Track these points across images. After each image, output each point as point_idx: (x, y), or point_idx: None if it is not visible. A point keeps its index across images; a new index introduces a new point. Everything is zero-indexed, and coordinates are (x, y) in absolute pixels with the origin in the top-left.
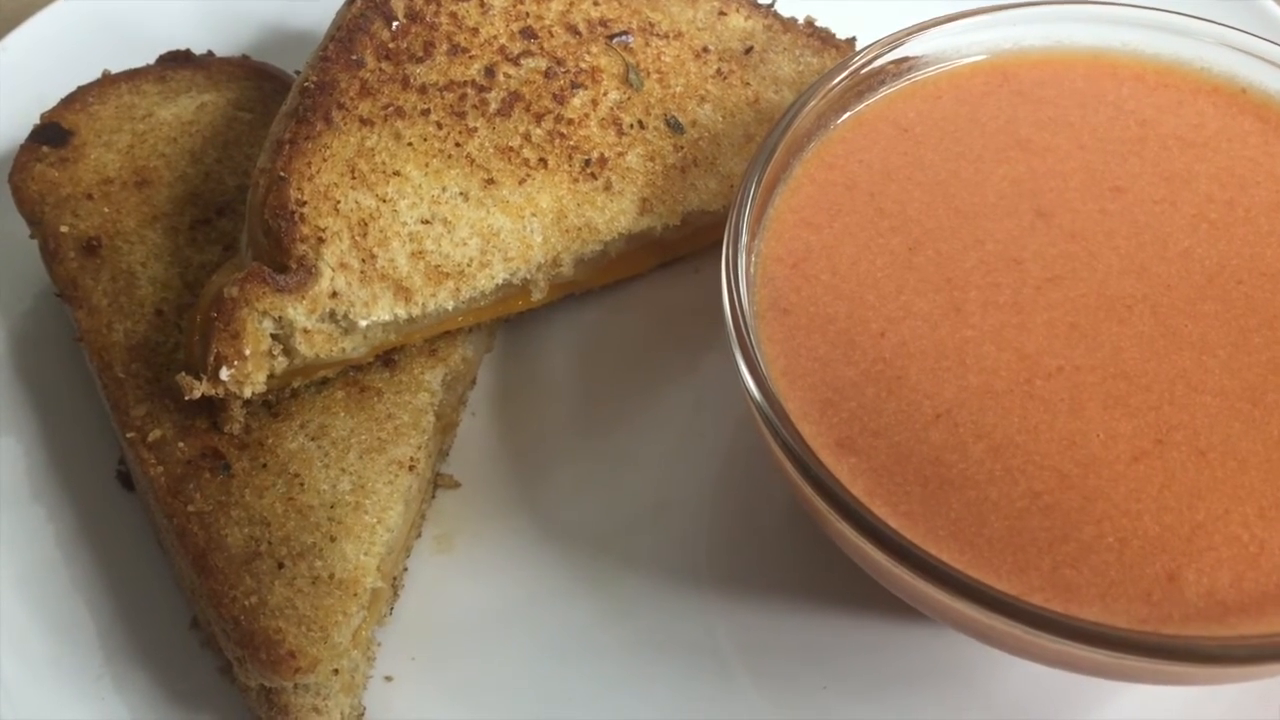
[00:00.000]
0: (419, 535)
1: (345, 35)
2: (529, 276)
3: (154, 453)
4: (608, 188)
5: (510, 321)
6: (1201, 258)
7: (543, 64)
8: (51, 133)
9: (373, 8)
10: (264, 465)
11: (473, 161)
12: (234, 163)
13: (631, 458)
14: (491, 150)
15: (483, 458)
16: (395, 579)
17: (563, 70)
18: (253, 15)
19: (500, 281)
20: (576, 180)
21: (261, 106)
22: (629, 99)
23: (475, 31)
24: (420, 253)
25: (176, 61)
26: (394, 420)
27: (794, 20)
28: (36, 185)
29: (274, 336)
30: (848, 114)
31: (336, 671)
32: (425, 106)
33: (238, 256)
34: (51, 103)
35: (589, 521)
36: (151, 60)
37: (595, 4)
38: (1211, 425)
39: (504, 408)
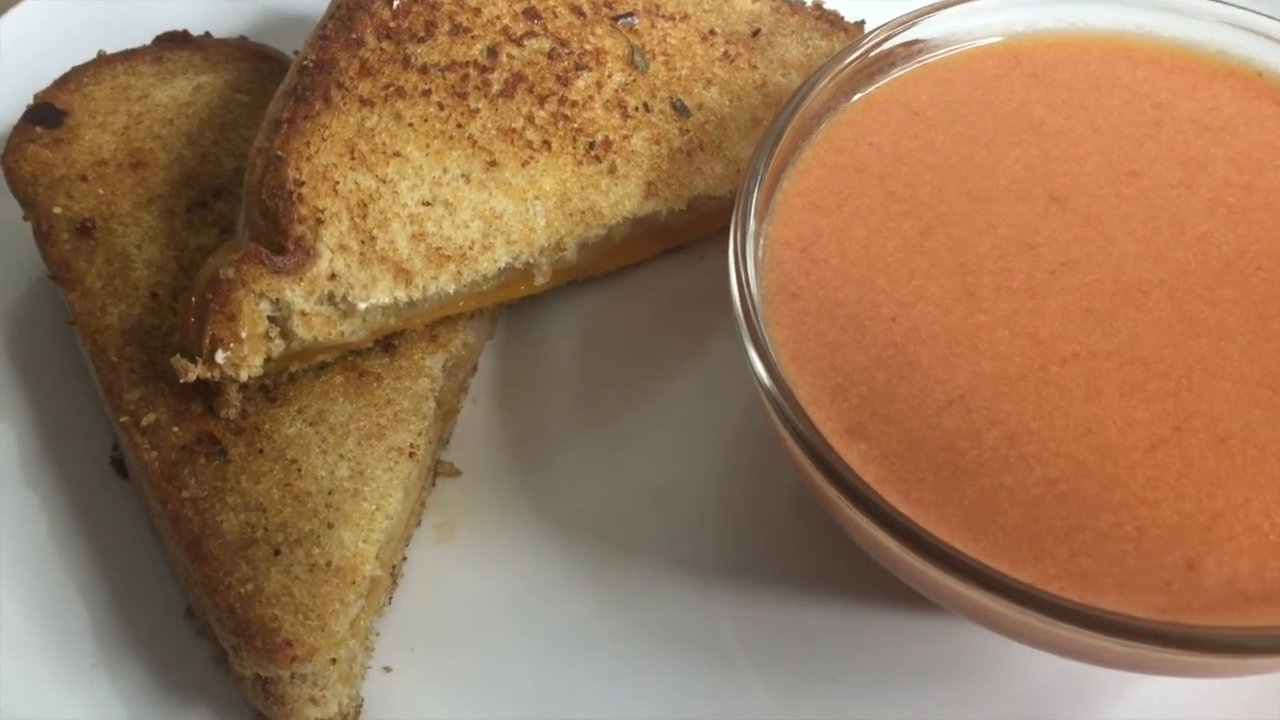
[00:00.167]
0: (419, 524)
1: (345, 14)
2: (532, 260)
3: (148, 437)
4: (612, 171)
5: (512, 308)
6: (1219, 243)
7: (546, 45)
8: (45, 113)
9: None
10: (261, 451)
11: (475, 143)
12: (231, 145)
13: (635, 446)
14: (494, 132)
15: (484, 446)
16: (394, 568)
17: (567, 51)
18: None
19: (502, 265)
20: (580, 163)
21: (259, 88)
22: (634, 81)
23: (478, 11)
24: (421, 235)
25: (173, 42)
26: (394, 406)
27: (802, 3)
28: (30, 166)
29: (271, 319)
30: (857, 97)
31: (334, 661)
32: (426, 87)
33: (234, 238)
34: (47, 84)
35: (592, 511)
36: (148, 42)
37: None
38: (1231, 412)
39: (506, 395)
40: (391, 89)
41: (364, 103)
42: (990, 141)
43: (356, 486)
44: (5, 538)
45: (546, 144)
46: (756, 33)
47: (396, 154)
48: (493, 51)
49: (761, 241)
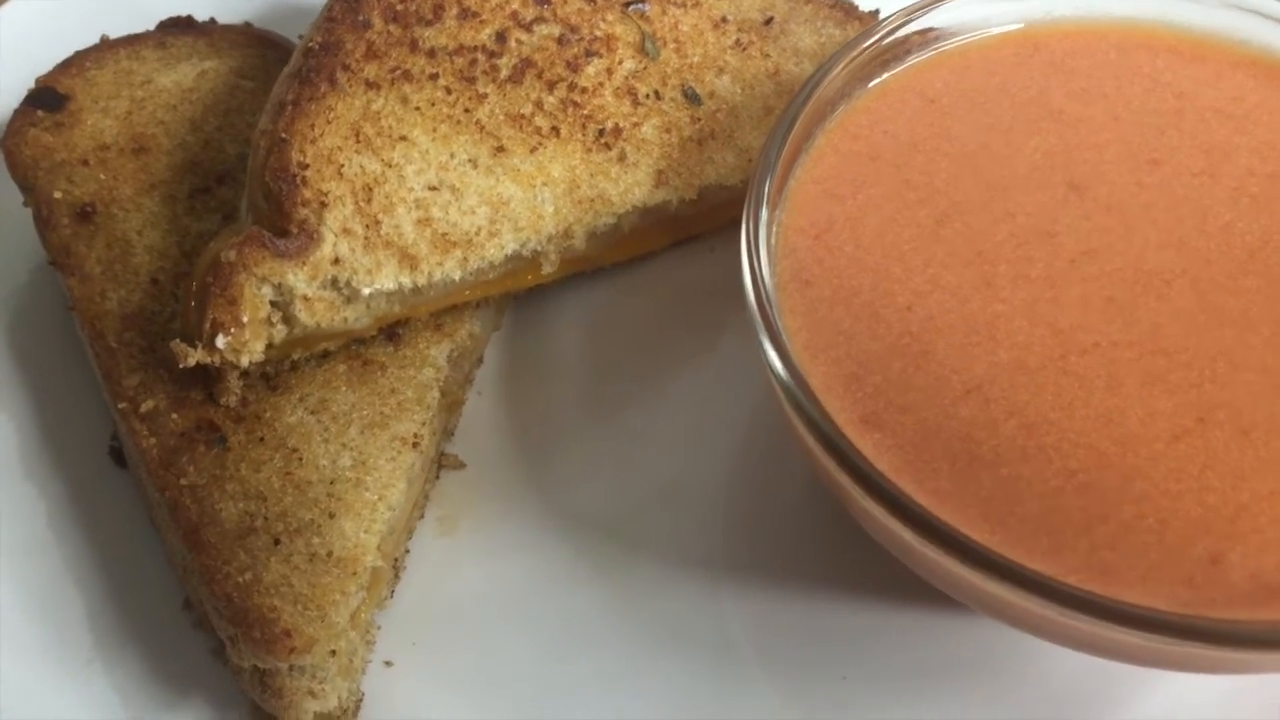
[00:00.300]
0: (421, 516)
1: None
2: (539, 248)
3: (146, 424)
4: (622, 159)
5: (519, 299)
6: (1243, 232)
7: (556, 30)
8: (47, 97)
9: None
10: (261, 439)
11: (482, 128)
12: (235, 130)
13: (643, 440)
14: (502, 117)
15: (489, 438)
16: (396, 561)
17: (577, 38)
18: None
19: (509, 252)
20: (590, 150)
21: (264, 74)
22: (645, 68)
23: None
24: (427, 220)
25: (178, 28)
26: (397, 395)
27: None
28: (30, 150)
29: (273, 304)
30: (872, 84)
31: (334, 653)
32: (434, 71)
33: (238, 223)
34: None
35: (598, 505)
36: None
37: None
38: (1255, 403)
39: (512, 388)
40: (398, 72)
41: (370, 86)
42: (1008, 129)
43: (359, 476)
44: (4, 529)
45: (555, 130)
46: (769, 21)
47: (403, 138)
48: (501, 36)
49: (774, 229)
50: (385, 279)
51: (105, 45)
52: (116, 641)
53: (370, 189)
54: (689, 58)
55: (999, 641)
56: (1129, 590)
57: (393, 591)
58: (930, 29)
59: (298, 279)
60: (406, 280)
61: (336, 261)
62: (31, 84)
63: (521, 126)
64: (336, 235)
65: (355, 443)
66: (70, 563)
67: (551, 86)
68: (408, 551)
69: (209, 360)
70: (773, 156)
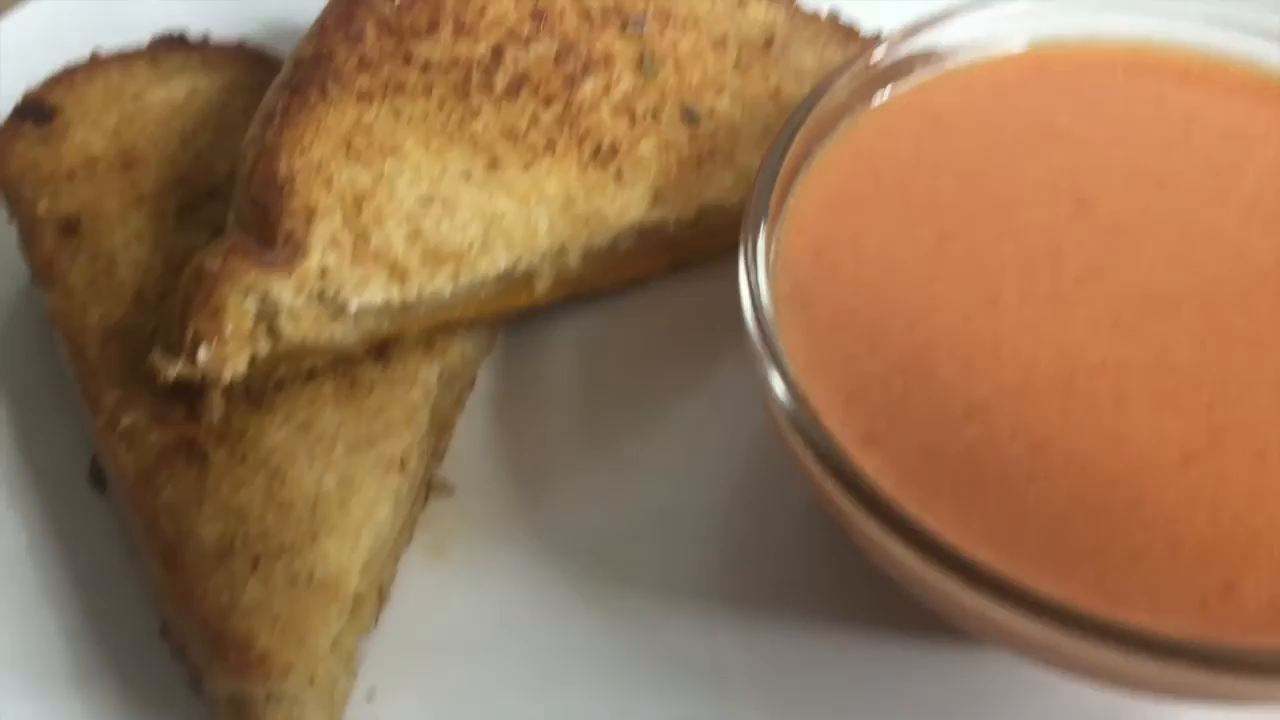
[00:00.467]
0: (409, 542)
1: (345, 8)
2: (533, 266)
3: (124, 441)
4: (619, 177)
5: (512, 323)
6: (1254, 253)
7: (553, 47)
8: (35, 110)
9: None
10: (243, 457)
11: (476, 142)
12: (226, 147)
13: (637, 466)
14: (497, 132)
15: (480, 462)
16: (382, 586)
17: (574, 55)
18: (253, 7)
19: (502, 269)
20: (586, 167)
21: (257, 91)
22: (643, 87)
23: (483, 11)
24: (417, 233)
25: (170, 45)
26: (385, 415)
27: (817, 13)
28: (16, 163)
29: (258, 317)
30: (874, 101)
31: (313, 681)
32: (427, 84)
33: (224, 236)
34: None
35: (591, 533)
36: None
37: None
38: (1269, 426)
39: (504, 411)
40: (391, 84)
41: (362, 97)
42: (1012, 148)
43: (343, 497)
44: None
45: (551, 146)
46: (770, 41)
47: (394, 150)
48: (497, 51)
49: (773, 246)
50: (374, 292)
51: (97, 61)
52: (92, 670)
53: (360, 201)
54: (688, 77)
55: (1006, 674)
56: (1140, 617)
57: (377, 619)
58: (933, 49)
59: (283, 291)
60: (395, 294)
61: (324, 274)
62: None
63: (516, 142)
64: (324, 247)
65: (341, 463)
66: (48, 588)
67: (548, 102)
68: (393, 577)
69: (190, 373)
70: (771, 172)
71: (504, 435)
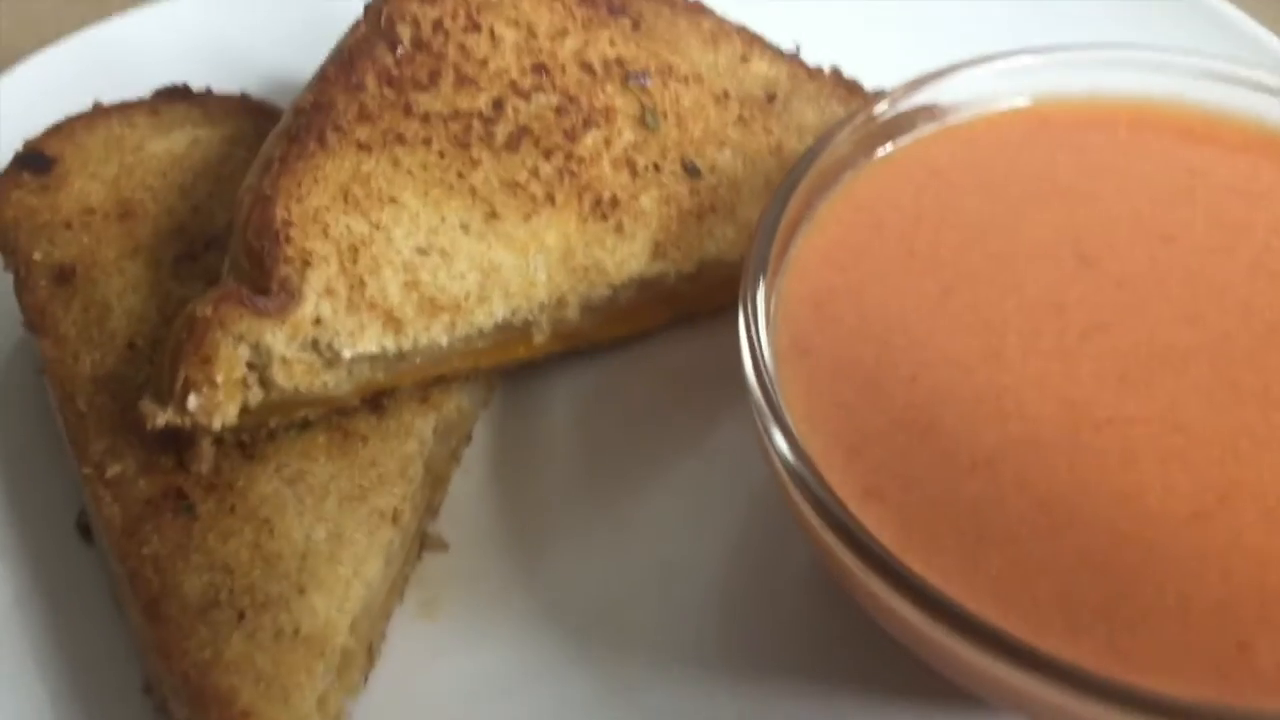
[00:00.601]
0: (401, 599)
1: (347, 58)
2: (531, 317)
3: (111, 490)
4: (619, 229)
5: (510, 377)
6: (1262, 308)
7: (554, 100)
8: (33, 160)
9: (377, 33)
10: (232, 509)
11: (475, 193)
12: (226, 198)
13: (636, 524)
14: (496, 183)
15: (475, 519)
16: (372, 644)
17: (575, 108)
18: (256, 61)
19: (499, 319)
20: (586, 219)
21: (258, 143)
22: (644, 140)
23: (484, 63)
24: (414, 283)
25: (172, 96)
26: (378, 468)
27: (820, 69)
28: (13, 212)
29: (249, 365)
30: (876, 155)
31: None
32: (427, 135)
33: (219, 285)
34: None
35: (588, 592)
36: None
37: (611, 44)
38: None
39: (500, 467)
40: (391, 135)
41: (361, 147)
42: (1015, 203)
43: (333, 550)
44: None
45: (551, 198)
46: (772, 97)
47: (392, 200)
48: (498, 104)
49: (774, 297)
50: (368, 341)
51: (98, 111)
52: None
53: (356, 249)
54: (690, 131)
55: None
56: (1152, 678)
57: (366, 677)
58: (935, 103)
59: (276, 339)
60: (390, 343)
61: (318, 322)
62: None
63: (516, 193)
64: (319, 295)
65: (332, 515)
66: (33, 642)
67: (548, 155)
68: (384, 636)
69: (179, 421)
70: (772, 223)
71: (500, 491)
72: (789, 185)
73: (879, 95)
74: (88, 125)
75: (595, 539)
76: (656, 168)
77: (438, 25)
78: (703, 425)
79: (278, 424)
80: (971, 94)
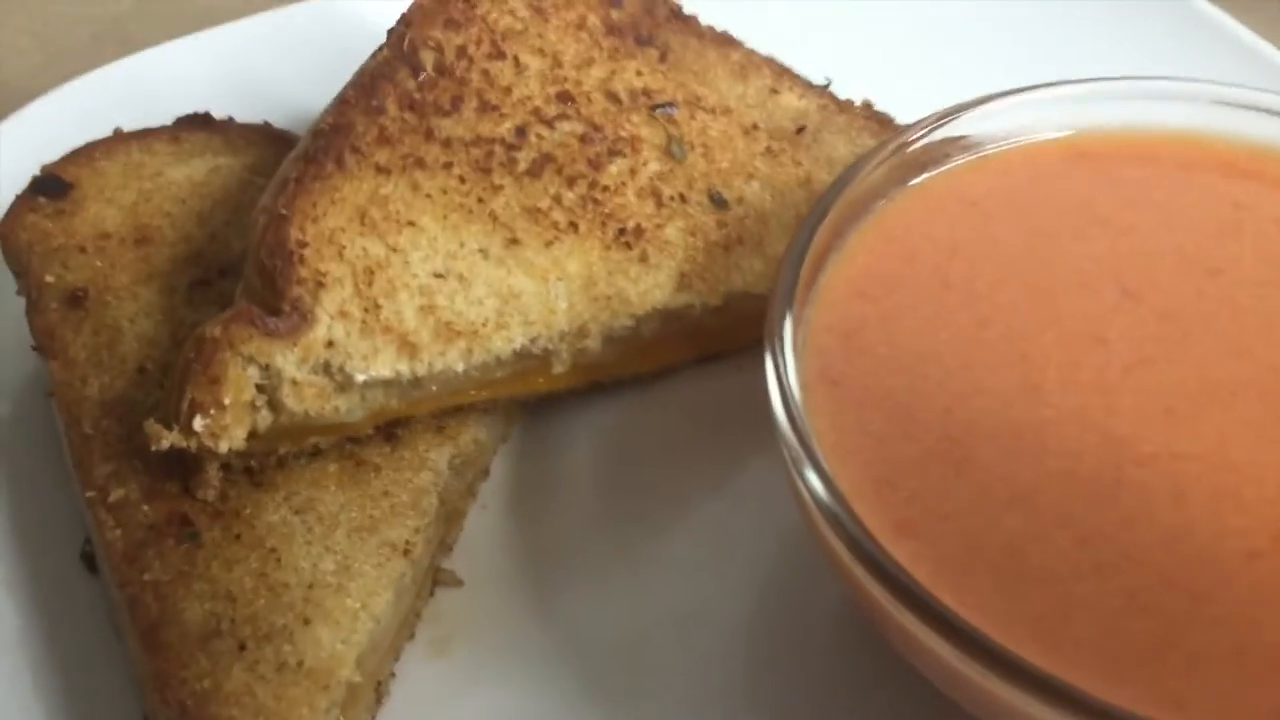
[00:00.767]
0: (412, 636)
1: (368, 81)
2: (550, 346)
3: (113, 515)
4: (643, 259)
5: (529, 411)
6: None
7: (579, 128)
8: (49, 184)
9: (399, 57)
10: (238, 536)
11: (496, 219)
12: (243, 226)
13: (658, 565)
14: (517, 209)
15: (490, 555)
16: (380, 682)
17: (600, 136)
18: (282, 94)
19: (518, 347)
20: (609, 248)
21: None
22: (670, 170)
23: (508, 91)
24: (430, 307)
25: (194, 124)
26: (391, 499)
27: (850, 102)
28: (27, 235)
29: (259, 387)
30: (909, 185)
31: None
32: (448, 160)
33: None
34: None
35: (607, 633)
36: None
37: (638, 73)
38: None
39: (518, 503)
40: (410, 159)
41: (380, 170)
42: (1054, 234)
43: (341, 581)
44: None
45: (574, 226)
46: (801, 130)
47: (410, 223)
48: (521, 131)
49: (802, 327)
50: (382, 366)
51: (118, 137)
52: None
53: (372, 272)
54: (717, 162)
55: None
56: None
57: (374, 716)
58: (970, 134)
59: (287, 361)
60: (405, 368)
61: (330, 344)
62: None
63: (538, 220)
64: (332, 317)
65: (341, 546)
66: (35, 671)
67: (571, 183)
68: (393, 675)
69: (185, 444)
70: (800, 251)
71: (518, 528)
72: (818, 214)
73: (912, 125)
74: (107, 151)
75: (615, 580)
76: (682, 198)
77: (461, 51)
78: (727, 467)
79: (287, 451)
80: (1007, 125)
